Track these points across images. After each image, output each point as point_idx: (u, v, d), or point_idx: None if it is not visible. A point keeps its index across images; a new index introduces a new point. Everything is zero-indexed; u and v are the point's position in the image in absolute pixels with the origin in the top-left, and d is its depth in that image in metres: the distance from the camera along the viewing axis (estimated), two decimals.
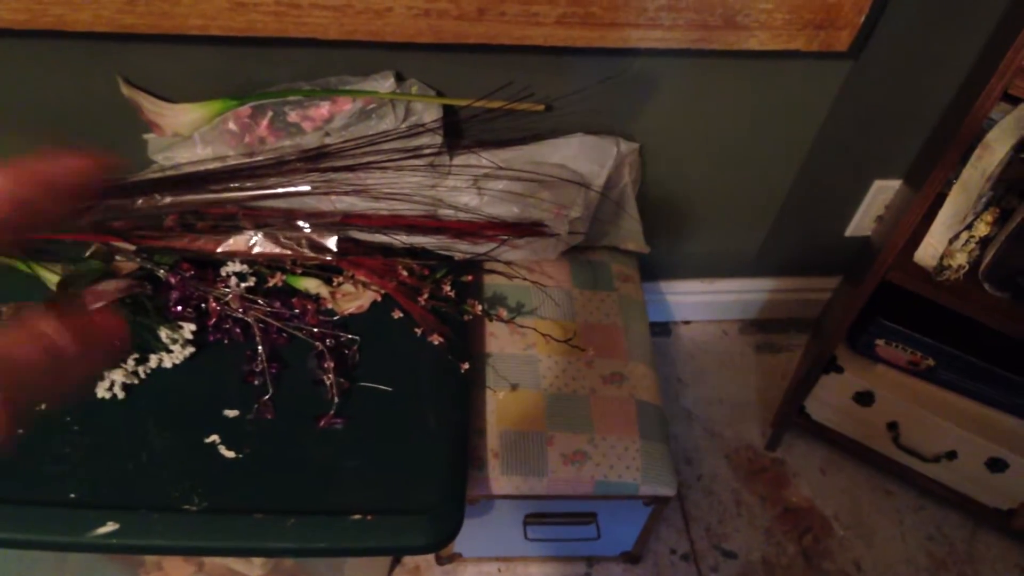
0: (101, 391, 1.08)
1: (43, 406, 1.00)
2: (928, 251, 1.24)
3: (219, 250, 1.20)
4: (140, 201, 1.22)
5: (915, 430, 1.49)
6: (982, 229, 1.21)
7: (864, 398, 1.49)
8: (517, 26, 1.09)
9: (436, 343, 1.18)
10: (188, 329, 1.14)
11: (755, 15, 1.10)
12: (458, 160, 1.27)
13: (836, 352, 1.49)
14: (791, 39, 1.13)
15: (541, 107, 1.28)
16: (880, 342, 1.44)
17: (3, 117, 1.24)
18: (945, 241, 1.21)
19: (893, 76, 1.33)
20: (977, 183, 1.14)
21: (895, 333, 1.41)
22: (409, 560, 1.44)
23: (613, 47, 1.14)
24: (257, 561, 1.26)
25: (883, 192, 1.55)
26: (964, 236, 1.21)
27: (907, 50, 1.29)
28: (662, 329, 1.84)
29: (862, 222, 1.62)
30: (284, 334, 1.17)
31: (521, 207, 1.28)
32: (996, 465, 1.44)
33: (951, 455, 1.48)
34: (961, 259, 1.23)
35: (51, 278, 1.17)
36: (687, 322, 1.86)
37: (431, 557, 1.44)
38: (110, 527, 0.97)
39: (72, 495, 1.00)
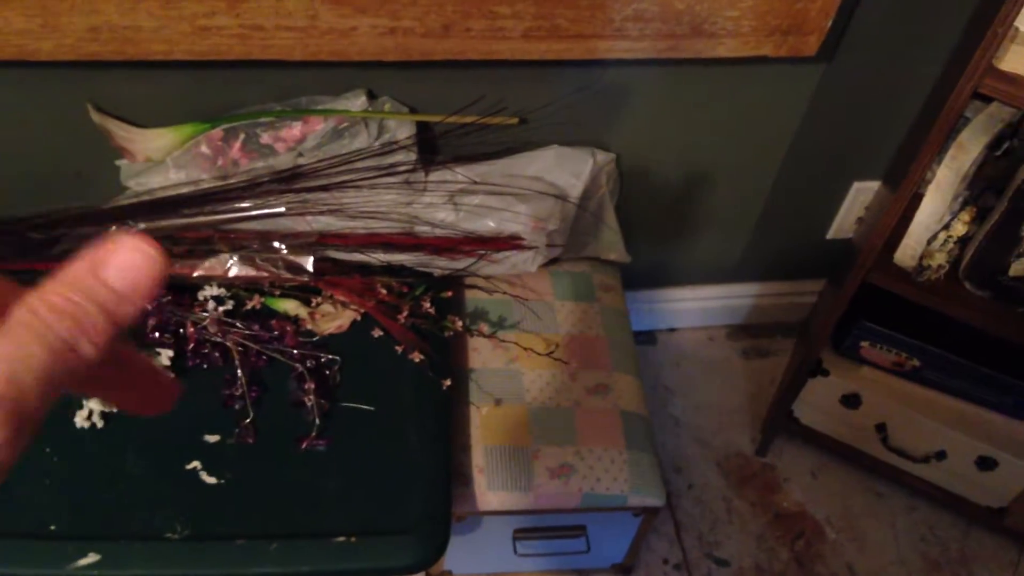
0: (80, 420, 1.07)
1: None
2: (907, 252, 1.24)
3: (195, 274, 1.19)
4: (114, 228, 1.21)
5: (903, 431, 1.49)
6: (960, 228, 1.20)
7: (851, 400, 1.49)
8: (483, 41, 1.09)
9: (417, 360, 1.17)
10: (166, 355, 1.13)
11: (722, 23, 1.10)
12: (433, 176, 1.27)
13: (821, 355, 1.49)
14: (759, 45, 1.13)
15: (515, 120, 1.27)
16: (864, 344, 1.43)
17: None
18: (924, 241, 1.21)
19: (867, 78, 1.33)
20: (952, 183, 1.14)
21: (879, 335, 1.40)
22: None
23: (582, 59, 1.14)
24: None
25: (863, 194, 1.55)
26: (942, 236, 1.21)
27: (879, 52, 1.29)
28: (647, 337, 1.83)
29: (843, 224, 1.62)
30: (263, 357, 1.16)
31: (498, 221, 1.27)
32: (985, 463, 1.44)
33: (940, 455, 1.48)
34: (940, 259, 1.22)
35: None
36: (672, 329, 1.86)
37: None
38: (92, 558, 0.96)
39: (52, 527, 0.99)
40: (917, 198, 1.20)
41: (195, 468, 1.06)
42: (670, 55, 1.15)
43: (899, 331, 1.40)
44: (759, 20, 1.09)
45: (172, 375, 1.04)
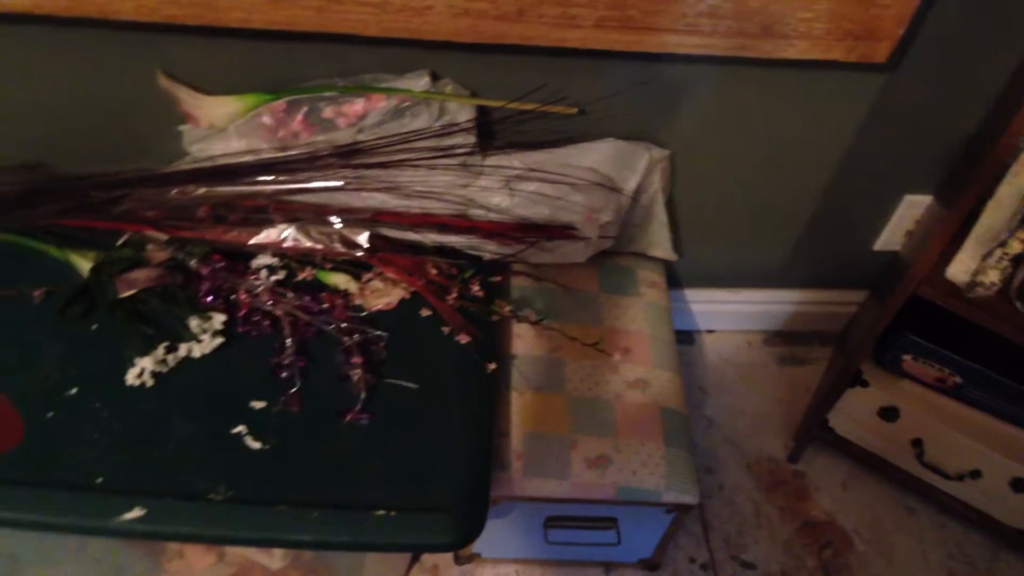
0: (131, 378, 1.09)
1: (74, 390, 1.01)
2: (960, 267, 1.23)
3: (250, 242, 1.21)
4: (174, 191, 1.23)
5: (939, 447, 1.48)
6: (1016, 247, 1.19)
7: (889, 413, 1.48)
8: (555, 28, 1.09)
9: (463, 342, 1.18)
10: (218, 320, 1.14)
11: (794, 24, 1.09)
12: (490, 161, 1.27)
13: (862, 366, 1.48)
14: (829, 49, 1.13)
15: (574, 110, 1.28)
16: (907, 357, 1.43)
17: (42, 104, 1.25)
18: (978, 257, 1.20)
19: (928, 90, 1.32)
20: (1013, 200, 1.14)
21: (923, 349, 1.40)
22: (427, 559, 1.44)
23: (650, 52, 1.14)
24: (278, 553, 1.26)
25: (914, 207, 1.55)
26: (997, 253, 1.20)
27: (943, 64, 1.28)
28: (686, 337, 1.83)
29: (891, 236, 1.61)
30: (312, 328, 1.17)
31: (552, 210, 1.28)
32: (1020, 486, 1.43)
33: (975, 474, 1.47)
34: (994, 276, 1.21)
35: (84, 265, 1.18)
36: (711, 331, 1.86)
37: (449, 556, 1.44)
38: (137, 512, 0.98)
39: (99, 480, 1.00)
40: (972, 213, 1.19)
41: (240, 432, 1.07)
42: (738, 53, 1.15)
43: (941, 347, 1.40)
44: (832, 23, 1.09)
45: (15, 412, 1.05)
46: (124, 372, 1.10)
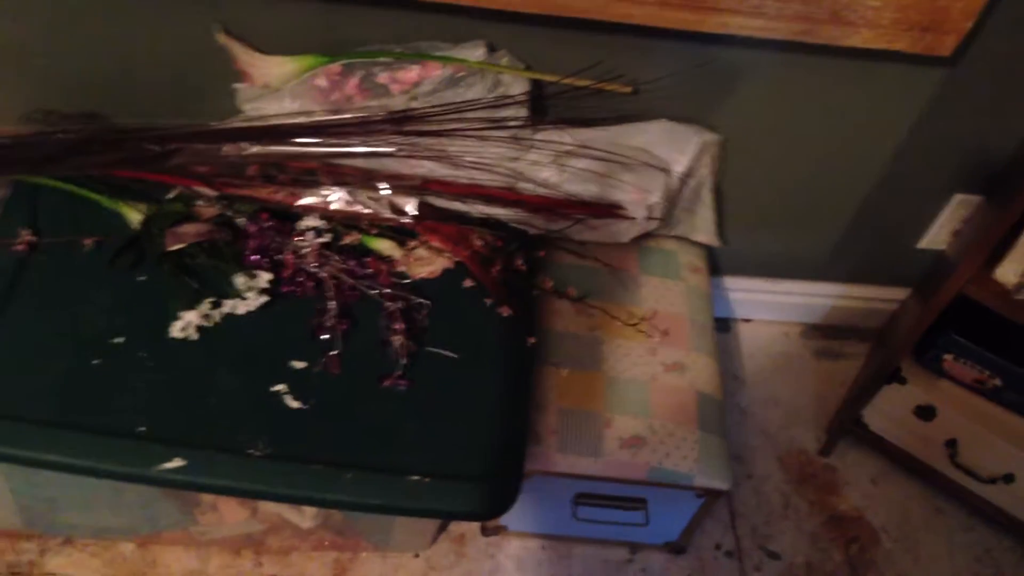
0: (176, 331, 1.10)
1: (119, 339, 1.02)
2: (1009, 268, 1.22)
3: (298, 203, 1.21)
4: (225, 148, 1.23)
5: (974, 449, 1.47)
6: None
7: (925, 412, 1.47)
8: (619, 3, 1.08)
9: (505, 315, 1.18)
10: (264, 278, 1.15)
11: (862, 11, 1.08)
12: (541, 135, 1.27)
13: (901, 363, 1.47)
14: (895, 39, 1.11)
15: (628, 89, 1.27)
16: (948, 357, 1.41)
17: (100, 54, 1.26)
18: None
19: (988, 86, 1.31)
20: None
21: (965, 349, 1.38)
22: (454, 528, 1.45)
23: (712, 32, 1.13)
24: (309, 512, 1.28)
25: (963, 206, 1.53)
26: None
27: (1006, 61, 1.26)
28: (722, 325, 1.82)
29: (938, 235, 1.59)
30: (356, 292, 1.17)
31: (600, 187, 1.28)
32: None
33: (1008, 478, 1.46)
34: None
35: (134, 216, 1.19)
36: (748, 320, 1.85)
37: (476, 527, 1.45)
38: (177, 463, 0.99)
39: (141, 428, 1.01)
40: None
41: (280, 391, 1.08)
42: (802, 39, 1.13)
43: (984, 348, 1.38)
44: (900, 13, 1.08)
45: None
46: (169, 324, 1.11)
